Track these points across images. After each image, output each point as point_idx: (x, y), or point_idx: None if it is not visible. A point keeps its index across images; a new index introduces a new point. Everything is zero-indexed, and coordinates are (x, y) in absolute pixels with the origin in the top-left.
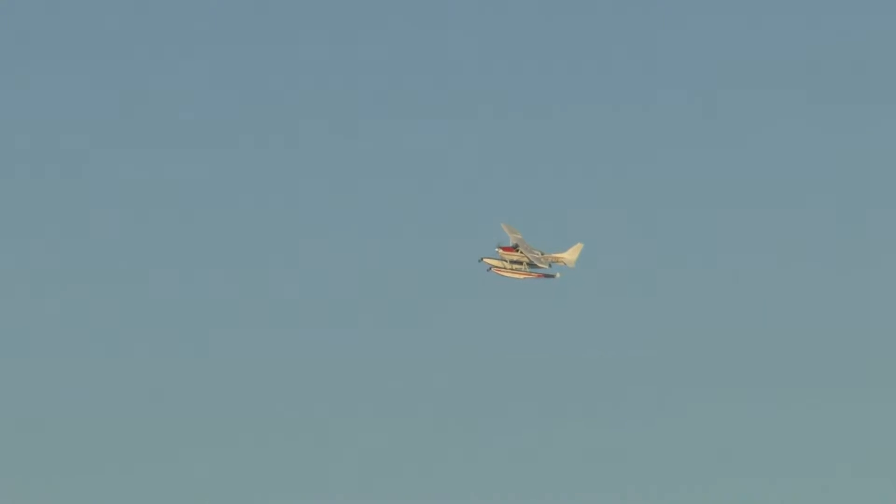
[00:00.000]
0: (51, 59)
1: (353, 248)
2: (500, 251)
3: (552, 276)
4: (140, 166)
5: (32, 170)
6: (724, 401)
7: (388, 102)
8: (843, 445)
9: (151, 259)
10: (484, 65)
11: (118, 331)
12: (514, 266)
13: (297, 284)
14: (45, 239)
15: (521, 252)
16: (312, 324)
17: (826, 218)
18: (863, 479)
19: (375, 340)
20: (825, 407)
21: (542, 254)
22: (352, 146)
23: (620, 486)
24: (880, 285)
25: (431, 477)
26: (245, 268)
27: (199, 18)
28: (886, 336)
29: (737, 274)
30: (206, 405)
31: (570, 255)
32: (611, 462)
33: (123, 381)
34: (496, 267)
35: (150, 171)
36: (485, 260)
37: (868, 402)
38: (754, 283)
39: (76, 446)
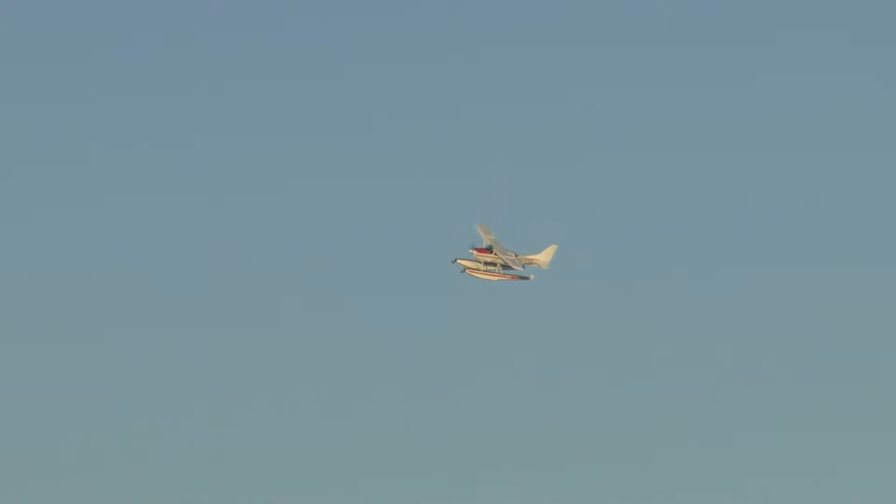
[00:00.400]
0: (51, 60)
1: (353, 248)
2: (474, 252)
3: (526, 278)
4: (144, 165)
5: (32, 169)
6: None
7: (389, 102)
8: (843, 445)
9: (151, 259)
10: (484, 64)
11: (118, 330)
12: (488, 267)
13: (297, 284)
14: (44, 238)
15: (496, 253)
16: (312, 323)
17: (827, 218)
18: (863, 479)
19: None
20: (825, 407)
21: (517, 255)
22: (352, 146)
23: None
24: (880, 285)
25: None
26: (245, 268)
27: (199, 18)
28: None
29: (736, 274)
30: (205, 405)
31: (544, 257)
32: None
33: (123, 380)
34: (470, 268)
35: (155, 170)
36: (458, 261)
37: (868, 401)
38: (753, 284)
39: (75, 446)
